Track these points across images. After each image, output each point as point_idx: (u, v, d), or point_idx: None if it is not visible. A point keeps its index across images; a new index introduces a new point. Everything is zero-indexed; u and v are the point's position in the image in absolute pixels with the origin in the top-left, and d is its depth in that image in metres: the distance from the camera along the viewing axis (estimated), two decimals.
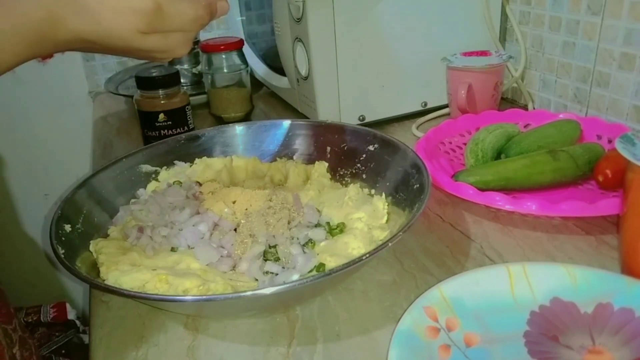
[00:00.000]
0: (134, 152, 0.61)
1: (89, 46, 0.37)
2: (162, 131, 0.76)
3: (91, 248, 0.49)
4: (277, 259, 0.48)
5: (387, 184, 0.56)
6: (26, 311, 1.00)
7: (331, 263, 0.46)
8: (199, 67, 1.03)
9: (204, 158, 0.64)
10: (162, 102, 0.75)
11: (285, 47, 0.82)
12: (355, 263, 0.39)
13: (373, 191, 0.57)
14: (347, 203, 0.54)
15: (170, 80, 0.75)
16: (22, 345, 0.55)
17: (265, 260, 0.48)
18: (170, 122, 0.76)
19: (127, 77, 1.09)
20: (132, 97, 0.82)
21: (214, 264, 0.47)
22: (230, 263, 0.48)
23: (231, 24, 1.08)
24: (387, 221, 0.52)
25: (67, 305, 1.03)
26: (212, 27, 1.18)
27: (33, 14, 0.33)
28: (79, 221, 0.50)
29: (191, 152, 0.64)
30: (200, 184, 0.59)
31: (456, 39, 0.82)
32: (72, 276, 0.41)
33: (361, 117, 0.81)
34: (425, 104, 0.85)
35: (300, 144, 0.64)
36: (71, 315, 1.02)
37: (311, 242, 0.50)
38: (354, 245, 0.48)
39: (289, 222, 0.51)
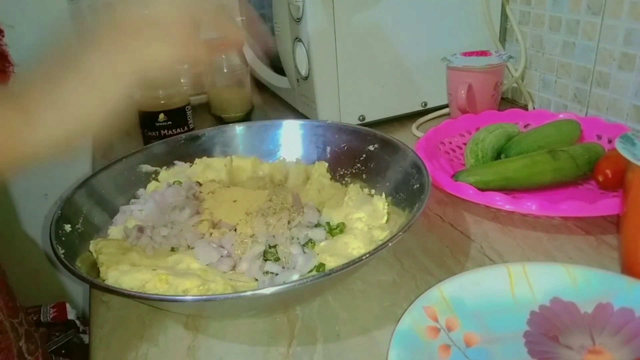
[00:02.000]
0: (134, 152, 0.61)
1: None
2: (162, 131, 0.76)
3: (91, 248, 0.49)
4: (277, 259, 0.48)
5: (387, 184, 0.56)
6: (26, 311, 1.00)
7: (331, 263, 0.46)
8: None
9: (204, 158, 0.64)
10: (162, 102, 0.75)
11: (285, 47, 0.82)
12: (355, 263, 0.39)
13: (373, 191, 0.57)
14: (347, 203, 0.54)
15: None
16: (28, 338, 0.55)
17: (265, 260, 0.48)
18: (170, 122, 0.76)
19: None
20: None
21: (214, 264, 0.47)
22: (230, 263, 0.48)
23: None
24: (387, 221, 0.52)
25: (67, 305, 1.03)
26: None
27: None
28: (79, 221, 0.50)
29: (191, 152, 0.64)
30: (200, 184, 0.59)
31: (456, 39, 0.82)
32: (72, 276, 0.41)
33: (361, 117, 0.81)
34: (425, 104, 0.85)
35: (301, 144, 0.64)
36: (71, 315, 1.02)
37: (311, 242, 0.50)
38: (354, 245, 0.48)
39: (289, 222, 0.51)
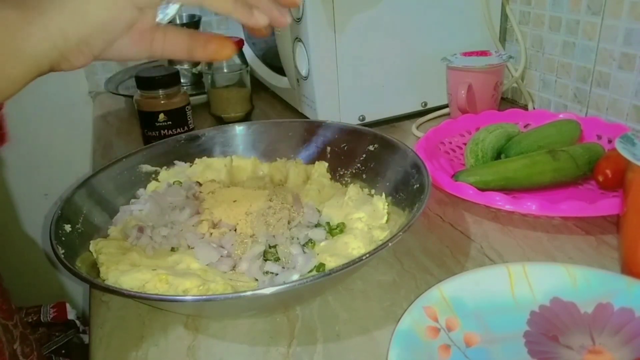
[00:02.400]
0: (134, 152, 0.61)
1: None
2: (162, 131, 0.76)
3: (91, 248, 0.49)
4: (277, 259, 0.48)
5: (387, 184, 0.56)
6: (26, 311, 1.00)
7: (331, 263, 0.46)
8: (199, 67, 1.03)
9: (204, 158, 0.64)
10: (162, 102, 0.75)
11: (285, 47, 0.82)
12: (355, 263, 0.39)
13: (373, 191, 0.57)
14: (347, 203, 0.54)
15: (170, 80, 0.75)
16: (23, 341, 0.55)
17: (265, 260, 0.48)
18: (170, 122, 0.76)
19: (127, 77, 1.09)
20: (132, 97, 0.82)
21: (214, 264, 0.47)
22: (230, 263, 0.48)
23: (231, 24, 1.08)
24: (387, 221, 0.52)
25: (67, 305, 1.03)
26: (212, 27, 1.18)
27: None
28: (79, 221, 0.50)
29: (191, 152, 0.64)
30: (200, 184, 0.59)
31: (456, 39, 0.82)
32: (72, 276, 0.41)
33: (361, 117, 0.81)
34: (425, 104, 0.85)
35: (300, 144, 0.64)
36: (71, 315, 1.02)
37: (311, 242, 0.50)
38: (354, 245, 0.48)
39: (289, 222, 0.51)
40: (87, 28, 0.33)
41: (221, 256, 0.48)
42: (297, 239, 0.50)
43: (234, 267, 0.48)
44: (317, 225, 0.53)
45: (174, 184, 0.59)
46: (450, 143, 0.72)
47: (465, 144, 0.70)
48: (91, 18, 0.33)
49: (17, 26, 0.31)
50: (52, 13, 0.32)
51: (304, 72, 0.78)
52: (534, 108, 0.84)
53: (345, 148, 0.62)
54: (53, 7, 0.32)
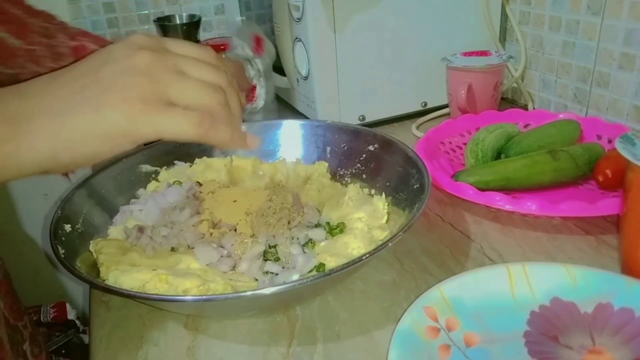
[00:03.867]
0: (134, 152, 0.61)
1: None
2: None
3: (91, 248, 0.49)
4: (277, 259, 0.48)
5: (387, 184, 0.56)
6: (26, 311, 1.00)
7: (331, 263, 0.46)
8: None
9: (204, 158, 0.64)
10: None
11: (285, 47, 0.82)
12: (355, 263, 0.39)
13: (373, 191, 0.57)
14: (347, 203, 0.54)
15: None
16: (33, 341, 0.55)
17: (265, 260, 0.48)
18: None
19: None
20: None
21: (214, 264, 0.47)
22: (230, 263, 0.48)
23: (231, 24, 1.08)
24: (387, 221, 0.52)
25: (67, 305, 1.03)
26: (212, 27, 1.18)
27: None
28: (79, 221, 0.50)
29: (191, 152, 0.64)
30: (200, 184, 0.59)
31: (456, 39, 0.82)
32: (72, 276, 0.41)
33: (361, 117, 0.81)
34: (425, 104, 0.85)
35: (301, 144, 0.64)
36: (71, 315, 1.02)
37: (311, 242, 0.50)
38: (354, 245, 0.48)
39: (289, 222, 0.51)
40: (82, 158, 0.32)
41: (221, 256, 0.48)
42: (297, 239, 0.50)
43: (234, 267, 0.48)
44: (317, 225, 0.53)
45: (174, 184, 0.59)
46: (450, 143, 0.72)
47: (465, 144, 0.70)
48: (88, 149, 0.32)
49: (5, 142, 0.30)
50: (45, 135, 0.31)
51: (303, 72, 0.78)
52: (534, 108, 0.84)
53: (345, 148, 0.62)
54: (47, 130, 0.31)
